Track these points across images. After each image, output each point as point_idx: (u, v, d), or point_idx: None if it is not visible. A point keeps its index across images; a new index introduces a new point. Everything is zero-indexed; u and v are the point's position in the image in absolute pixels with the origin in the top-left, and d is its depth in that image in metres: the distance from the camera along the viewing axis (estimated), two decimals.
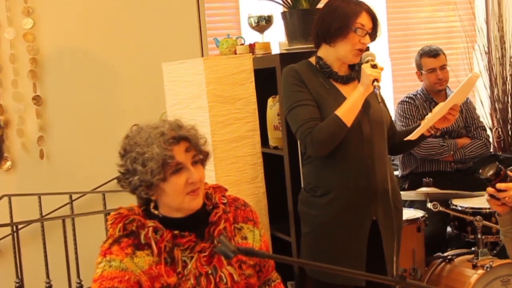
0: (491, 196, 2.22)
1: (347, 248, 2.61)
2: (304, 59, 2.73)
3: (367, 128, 2.62)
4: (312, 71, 2.66)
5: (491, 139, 4.63)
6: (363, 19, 2.56)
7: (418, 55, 4.22)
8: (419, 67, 4.20)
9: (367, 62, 2.54)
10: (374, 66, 2.51)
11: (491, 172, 2.20)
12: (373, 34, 2.61)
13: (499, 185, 2.18)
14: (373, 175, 2.60)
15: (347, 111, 2.52)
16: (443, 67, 4.15)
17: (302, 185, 2.78)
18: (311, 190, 2.68)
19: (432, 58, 4.15)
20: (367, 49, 2.65)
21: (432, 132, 2.70)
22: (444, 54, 4.18)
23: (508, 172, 2.22)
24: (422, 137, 2.73)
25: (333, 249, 2.63)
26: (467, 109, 4.19)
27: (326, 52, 2.66)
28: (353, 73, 2.70)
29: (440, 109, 2.61)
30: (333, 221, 2.62)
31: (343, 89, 2.66)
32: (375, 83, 2.48)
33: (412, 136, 2.66)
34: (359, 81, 2.63)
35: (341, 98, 2.59)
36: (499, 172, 2.20)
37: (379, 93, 2.50)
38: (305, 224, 2.73)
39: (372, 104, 2.63)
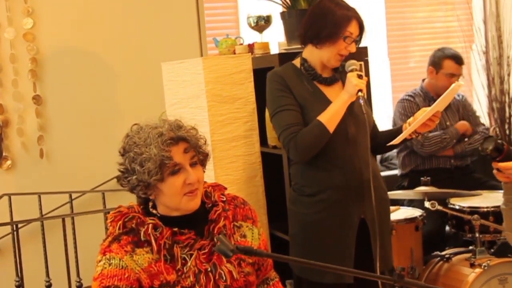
0: (498, 169, 2.26)
1: (336, 247, 2.64)
2: (289, 61, 2.76)
3: (352, 128, 2.66)
4: (296, 74, 2.70)
5: (490, 133, 4.64)
6: (352, 28, 2.61)
7: (441, 53, 4.12)
8: (438, 66, 4.09)
9: (351, 71, 2.58)
10: (360, 76, 2.56)
11: (490, 147, 2.23)
12: (358, 41, 2.66)
13: (502, 165, 2.22)
14: (359, 174, 2.64)
15: (331, 118, 2.56)
16: (460, 76, 4.10)
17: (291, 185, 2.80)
18: (298, 189, 2.71)
19: (457, 65, 4.08)
20: (357, 51, 2.68)
21: (413, 136, 2.74)
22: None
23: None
24: (404, 140, 2.76)
25: (321, 248, 2.66)
26: (463, 106, 4.19)
27: (311, 53, 2.69)
28: (336, 74, 2.74)
29: (423, 116, 2.65)
30: (321, 220, 2.65)
31: (327, 91, 2.69)
32: (360, 93, 2.53)
33: (395, 141, 2.71)
34: (342, 82, 2.66)
35: (326, 101, 2.63)
36: (499, 148, 2.23)
37: (364, 102, 2.54)
38: (294, 224, 2.75)
39: (357, 106, 2.65)
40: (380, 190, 2.71)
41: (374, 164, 2.76)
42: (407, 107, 4.12)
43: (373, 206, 2.56)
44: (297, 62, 2.74)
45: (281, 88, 2.65)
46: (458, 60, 4.10)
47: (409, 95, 4.17)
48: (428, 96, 4.14)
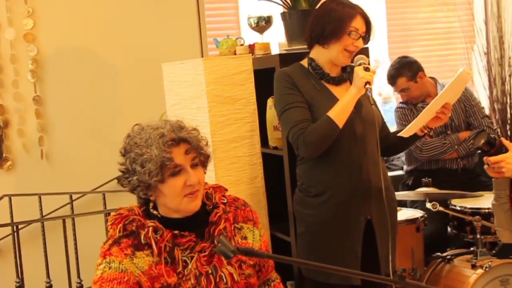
0: (488, 164, 2.27)
1: (342, 248, 2.64)
2: (297, 62, 2.76)
3: (360, 128, 2.65)
4: (304, 74, 2.69)
5: (494, 125, 4.59)
6: (357, 23, 2.60)
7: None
8: None
9: (359, 65, 2.57)
10: (366, 69, 2.55)
11: (482, 141, 2.24)
12: (366, 38, 2.65)
13: (491, 159, 2.23)
14: (366, 174, 2.64)
15: (340, 113, 2.54)
16: (403, 91, 4.08)
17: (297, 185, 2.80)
18: (305, 190, 2.71)
19: (392, 85, 4.15)
20: (359, 51, 2.67)
21: (425, 131, 2.72)
22: (406, 74, 4.05)
23: (503, 141, 2.26)
24: (416, 137, 2.74)
25: (328, 248, 2.65)
26: (465, 99, 4.07)
27: (318, 54, 2.69)
28: (345, 74, 2.74)
29: (430, 106, 2.61)
30: (328, 220, 2.64)
31: (335, 90, 2.69)
32: (367, 85, 2.51)
33: (403, 133, 2.67)
34: (350, 82, 2.66)
35: (333, 99, 2.62)
36: (491, 142, 2.23)
37: (371, 95, 2.53)
38: (300, 224, 2.75)
39: (364, 105, 2.66)
40: (388, 191, 2.70)
41: (382, 164, 2.74)
42: (401, 116, 4.13)
43: (385, 206, 2.56)
44: (304, 62, 2.74)
45: (289, 86, 2.65)
46: (389, 80, 4.15)
47: (402, 102, 4.18)
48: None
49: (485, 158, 2.29)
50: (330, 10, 2.63)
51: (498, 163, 2.24)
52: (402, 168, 4.43)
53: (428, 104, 3.66)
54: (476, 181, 4.07)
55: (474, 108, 4.11)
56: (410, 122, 3.94)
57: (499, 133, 4.91)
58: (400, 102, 4.21)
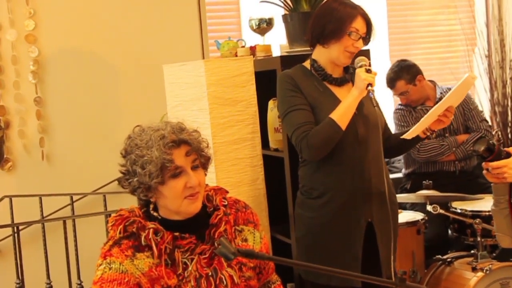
0: (487, 170, 2.27)
1: (343, 250, 2.64)
2: (299, 63, 2.76)
3: (362, 130, 2.65)
4: (306, 75, 2.70)
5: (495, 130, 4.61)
6: (358, 24, 2.60)
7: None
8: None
9: (360, 67, 2.57)
10: (368, 71, 2.55)
11: (482, 148, 2.24)
12: (366, 39, 2.65)
13: (492, 164, 2.23)
14: (368, 176, 2.64)
15: (342, 115, 2.55)
16: (402, 94, 4.10)
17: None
18: (306, 192, 2.71)
19: (390, 89, 4.16)
20: (360, 53, 2.67)
21: (428, 133, 2.72)
22: (405, 78, 4.07)
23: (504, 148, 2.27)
24: (418, 139, 2.74)
25: (328, 250, 2.65)
26: (463, 102, 4.06)
27: (319, 54, 2.69)
28: (347, 75, 2.74)
29: (434, 110, 2.62)
30: (329, 222, 2.64)
31: (337, 91, 2.69)
32: (369, 87, 2.52)
33: (407, 135, 2.67)
34: (353, 84, 2.66)
35: (336, 101, 2.63)
36: (491, 148, 2.24)
37: (374, 97, 2.54)
38: (301, 226, 2.75)
39: (366, 106, 2.66)
40: (389, 193, 2.70)
41: (385, 166, 2.74)
42: (400, 117, 4.13)
43: (387, 209, 2.56)
44: (307, 63, 2.75)
45: (291, 88, 2.65)
46: (388, 84, 4.15)
47: (401, 104, 4.18)
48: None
49: (484, 163, 2.29)
50: (331, 10, 2.63)
51: (500, 168, 2.24)
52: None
53: (427, 107, 3.67)
54: (474, 183, 4.07)
55: (473, 112, 4.13)
56: (408, 124, 4.02)
57: (499, 136, 4.91)
58: (399, 104, 4.21)
